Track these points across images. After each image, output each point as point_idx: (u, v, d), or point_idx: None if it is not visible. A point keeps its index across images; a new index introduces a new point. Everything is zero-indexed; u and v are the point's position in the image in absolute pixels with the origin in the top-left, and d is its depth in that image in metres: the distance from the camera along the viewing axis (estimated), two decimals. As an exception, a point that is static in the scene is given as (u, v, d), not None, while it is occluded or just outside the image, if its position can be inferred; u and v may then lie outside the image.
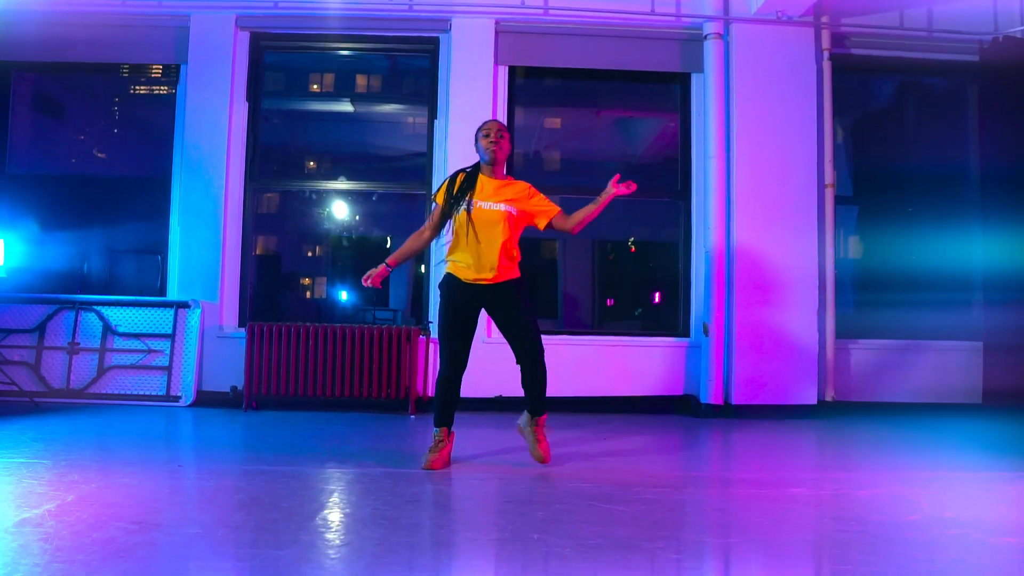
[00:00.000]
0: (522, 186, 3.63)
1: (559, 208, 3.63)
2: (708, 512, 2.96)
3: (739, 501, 3.08)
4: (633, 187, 3.37)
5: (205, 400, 5.59)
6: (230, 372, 5.61)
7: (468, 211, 3.46)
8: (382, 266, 3.59)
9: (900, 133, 6.44)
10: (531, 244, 5.93)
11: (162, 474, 3.39)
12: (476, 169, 3.62)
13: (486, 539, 2.48)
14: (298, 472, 3.39)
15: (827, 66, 5.92)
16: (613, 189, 3.41)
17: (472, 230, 3.45)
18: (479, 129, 3.61)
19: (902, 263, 6.12)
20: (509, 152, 3.62)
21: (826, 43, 5.93)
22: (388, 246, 12.22)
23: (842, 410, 5.74)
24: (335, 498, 2.96)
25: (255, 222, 6.01)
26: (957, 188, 6.35)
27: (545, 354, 3.56)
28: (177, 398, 5.54)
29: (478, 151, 3.60)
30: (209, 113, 5.80)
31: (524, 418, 3.67)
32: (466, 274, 3.50)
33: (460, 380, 3.56)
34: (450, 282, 3.55)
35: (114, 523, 2.48)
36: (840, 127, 6.25)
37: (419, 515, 2.72)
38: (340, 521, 2.61)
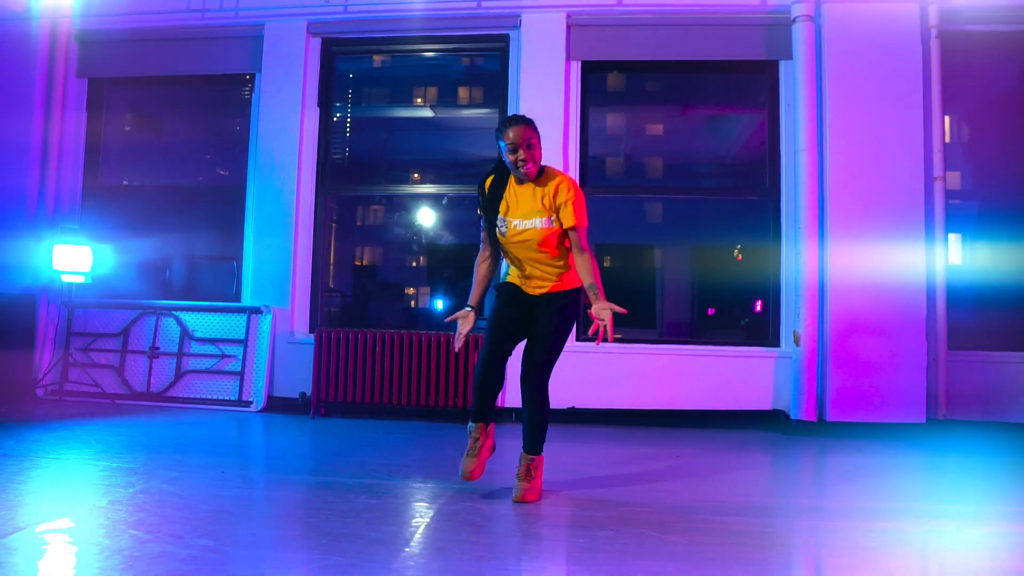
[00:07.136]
0: (552, 186, 3.00)
1: (581, 225, 2.98)
2: (772, 549, 2.56)
3: (811, 535, 2.68)
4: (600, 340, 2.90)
5: (275, 405, 5.60)
6: (300, 378, 5.59)
7: (503, 233, 3.03)
8: (469, 313, 3.10)
9: (1026, 119, 5.69)
10: (629, 251, 5.56)
11: (202, 482, 3.30)
12: (505, 173, 3.09)
13: (514, 570, 2.23)
14: (333, 483, 3.24)
15: (935, 45, 5.30)
16: (595, 319, 2.89)
17: (510, 252, 3.09)
18: (500, 137, 2.98)
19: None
20: (541, 156, 3.03)
21: (934, 20, 5.31)
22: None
23: (955, 429, 5.08)
24: (358, 516, 2.77)
25: (356, 233, 5.99)
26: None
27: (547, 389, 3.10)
28: (248, 403, 5.58)
29: (506, 164, 3.06)
30: (281, 120, 5.84)
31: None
32: (513, 280, 3.19)
33: (496, 367, 3.03)
34: (502, 283, 3.24)
35: (130, 532, 2.39)
36: (954, 114, 5.59)
37: (441, 538, 2.49)
38: (331, 543, 2.42)
